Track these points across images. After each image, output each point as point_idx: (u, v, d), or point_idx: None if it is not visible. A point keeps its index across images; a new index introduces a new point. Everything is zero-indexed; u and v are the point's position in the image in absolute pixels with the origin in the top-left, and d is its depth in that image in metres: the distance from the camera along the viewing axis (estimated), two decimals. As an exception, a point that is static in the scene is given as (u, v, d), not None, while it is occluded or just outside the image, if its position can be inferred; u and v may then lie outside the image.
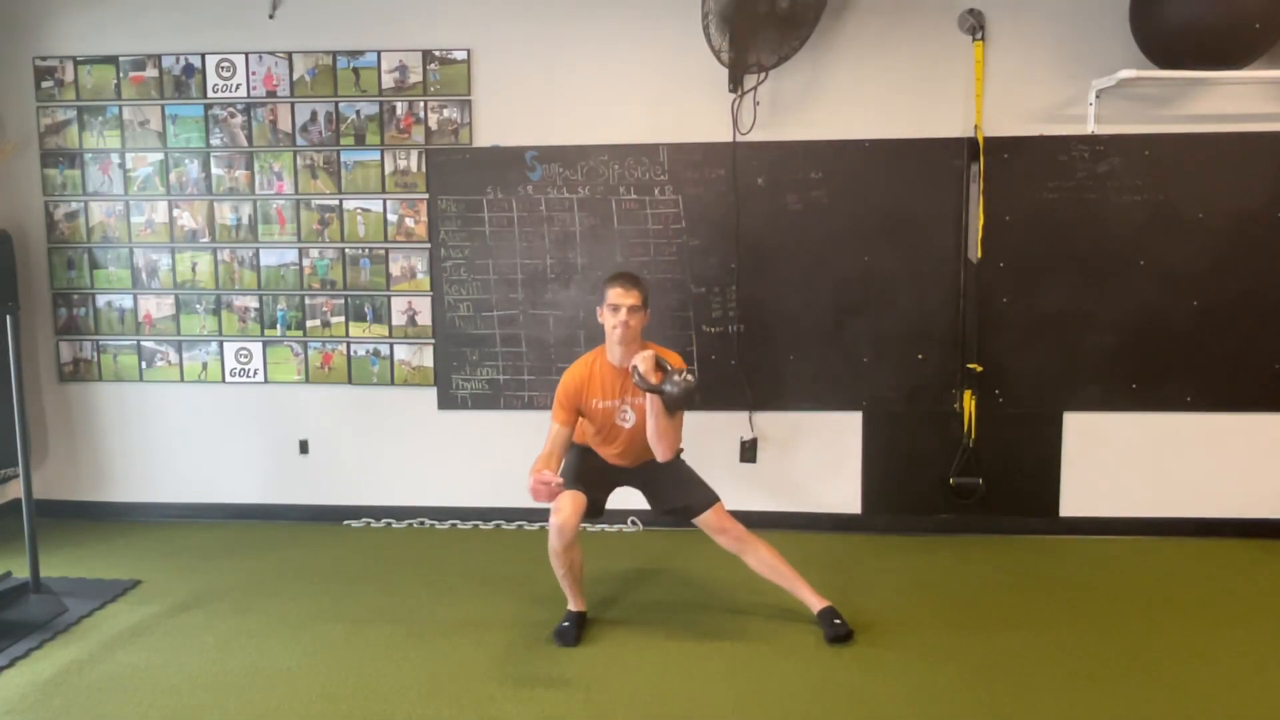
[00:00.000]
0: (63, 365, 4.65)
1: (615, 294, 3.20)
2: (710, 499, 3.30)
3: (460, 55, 4.31)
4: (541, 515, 4.48)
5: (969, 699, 2.86)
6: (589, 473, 3.36)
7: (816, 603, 3.30)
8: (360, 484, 4.60)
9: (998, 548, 4.15)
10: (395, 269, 4.45)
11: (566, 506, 3.17)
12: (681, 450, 3.38)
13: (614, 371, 3.27)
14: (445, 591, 3.73)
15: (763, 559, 3.31)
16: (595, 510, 3.31)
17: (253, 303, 4.53)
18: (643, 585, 3.78)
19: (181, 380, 4.60)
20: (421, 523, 4.57)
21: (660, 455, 3.25)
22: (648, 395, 3.14)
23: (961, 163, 4.12)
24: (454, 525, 4.55)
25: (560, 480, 3.05)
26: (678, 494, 3.33)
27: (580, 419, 3.32)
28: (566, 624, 3.30)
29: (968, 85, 4.12)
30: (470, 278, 4.40)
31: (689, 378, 3.07)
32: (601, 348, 3.32)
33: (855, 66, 4.16)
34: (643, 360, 3.11)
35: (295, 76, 4.38)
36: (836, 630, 3.21)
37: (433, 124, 4.35)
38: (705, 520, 3.28)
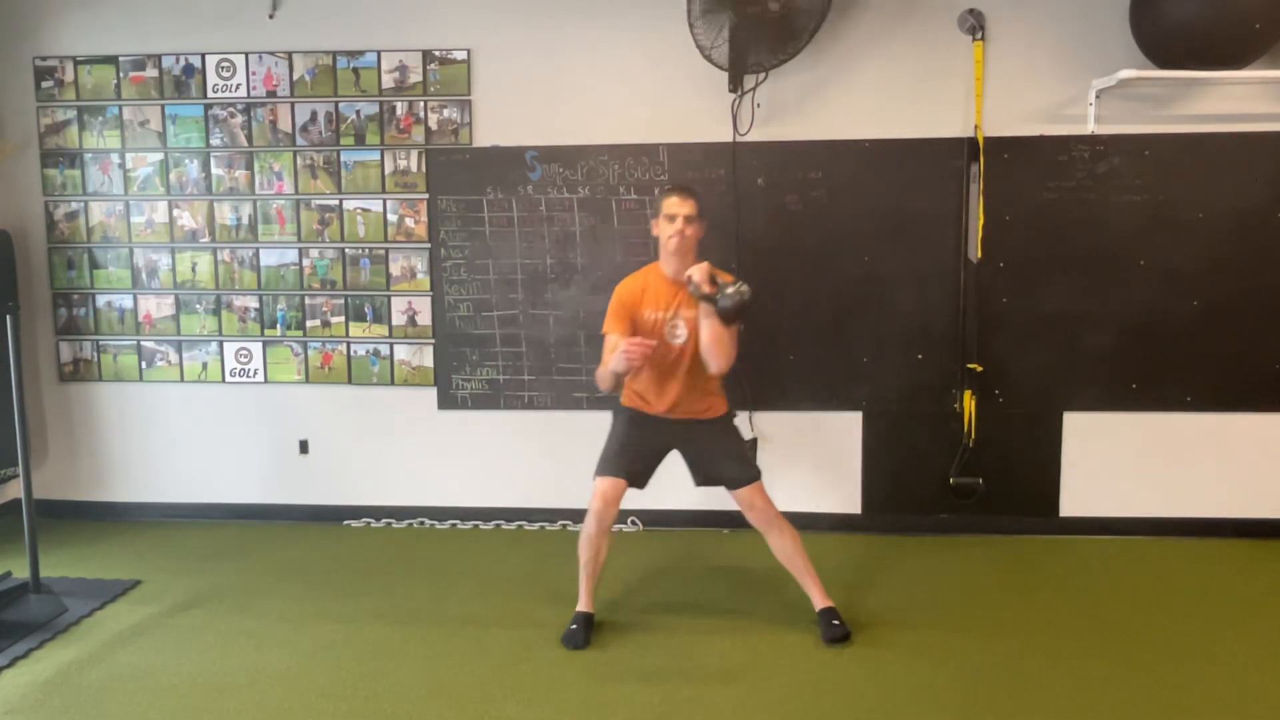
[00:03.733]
0: (63, 365, 4.65)
1: (672, 203, 3.20)
2: (751, 476, 3.28)
3: (460, 55, 4.31)
4: (541, 515, 4.50)
5: (969, 699, 2.86)
6: (636, 441, 3.30)
7: (820, 601, 3.31)
8: (360, 484, 4.60)
9: (998, 548, 4.15)
10: (395, 269, 4.45)
11: (609, 491, 3.19)
12: (735, 414, 3.38)
13: (668, 283, 3.25)
14: (445, 591, 3.73)
15: (784, 545, 3.30)
16: (639, 483, 3.30)
17: (253, 303, 4.53)
18: (643, 585, 3.78)
19: (181, 380, 4.60)
20: (421, 523, 4.57)
21: (715, 366, 3.18)
22: (701, 305, 3.11)
23: (961, 163, 4.12)
24: (454, 525, 4.55)
25: (655, 342, 3.09)
26: (720, 467, 3.30)
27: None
28: (574, 626, 3.28)
29: (968, 85, 4.12)
30: (470, 278, 4.40)
31: (744, 288, 3.05)
32: (654, 263, 3.31)
33: (855, 66, 4.16)
34: (698, 270, 3.10)
35: (295, 76, 4.38)
36: (834, 632, 3.21)
37: (433, 124, 4.35)
38: (740, 494, 3.27)
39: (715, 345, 3.14)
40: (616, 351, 3.07)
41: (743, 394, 4.28)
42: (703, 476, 3.37)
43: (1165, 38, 3.81)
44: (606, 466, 3.29)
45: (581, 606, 3.34)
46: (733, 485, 3.28)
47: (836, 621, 3.24)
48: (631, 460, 3.28)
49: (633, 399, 3.37)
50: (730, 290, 3.05)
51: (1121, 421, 4.23)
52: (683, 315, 3.24)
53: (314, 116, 4.39)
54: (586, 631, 3.27)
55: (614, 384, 3.20)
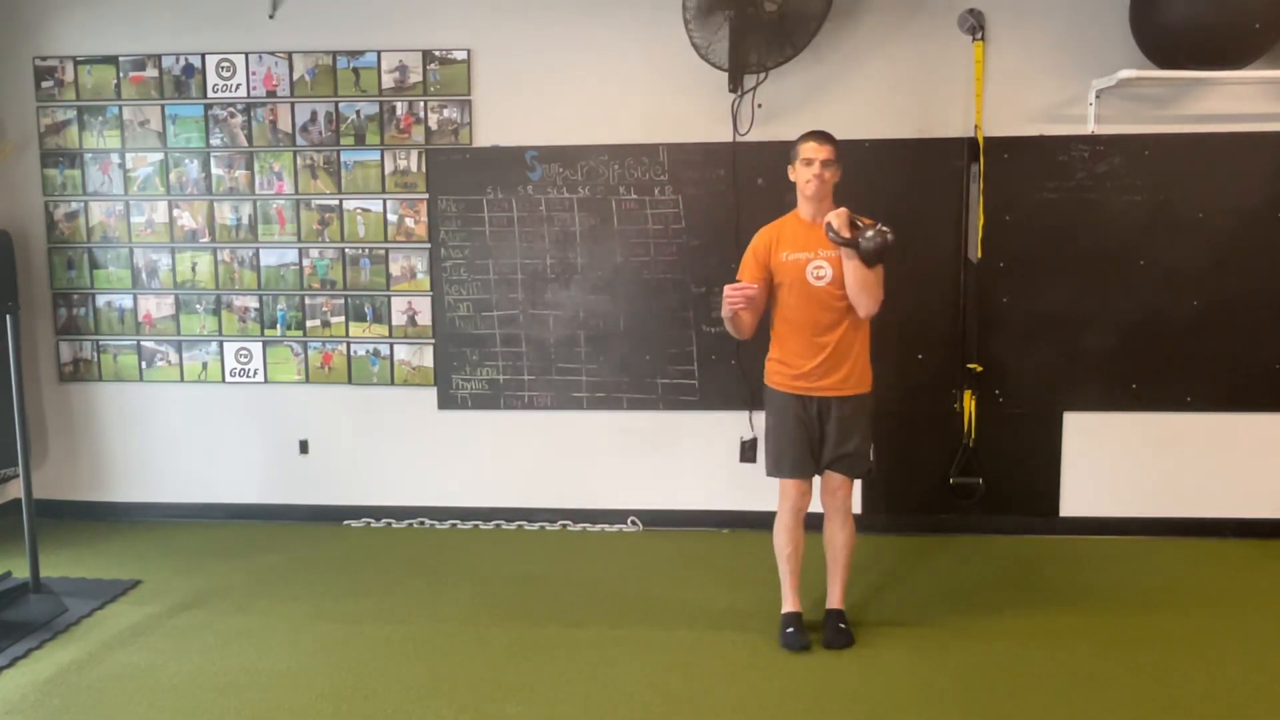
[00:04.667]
0: (63, 365, 4.65)
1: (809, 148, 3.16)
2: (859, 474, 3.26)
3: (460, 55, 4.31)
4: (542, 515, 4.50)
5: (969, 699, 2.86)
6: (794, 431, 3.22)
7: (835, 600, 3.30)
8: (360, 484, 4.60)
9: (998, 548, 4.15)
10: (395, 269, 4.45)
11: (793, 490, 3.21)
12: (872, 399, 3.29)
13: (805, 226, 3.20)
14: (445, 591, 3.73)
15: (840, 538, 3.28)
16: (810, 469, 3.25)
17: (253, 303, 4.53)
18: (643, 586, 3.78)
19: (181, 380, 4.60)
20: (421, 523, 4.57)
21: (863, 309, 3.11)
22: (844, 251, 3.07)
23: (961, 163, 4.12)
24: (454, 525, 4.55)
25: (756, 286, 3.10)
26: (845, 447, 3.21)
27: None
28: (791, 629, 3.21)
29: (968, 85, 4.12)
30: (470, 278, 4.40)
31: (884, 229, 3.02)
32: (790, 213, 3.27)
33: (855, 67, 4.16)
34: (836, 216, 3.08)
35: (295, 76, 4.38)
36: (837, 636, 3.21)
37: (433, 124, 4.35)
38: (830, 478, 3.25)
39: (862, 287, 3.09)
40: (723, 300, 3.07)
41: (743, 394, 4.29)
42: (829, 454, 3.23)
43: (1165, 37, 3.81)
44: (785, 466, 3.23)
45: (789, 608, 3.27)
46: (844, 473, 3.23)
47: (843, 625, 3.24)
48: (802, 451, 3.21)
49: (779, 373, 3.27)
50: (871, 233, 3.02)
51: (1121, 421, 4.22)
52: (825, 256, 3.16)
53: (314, 116, 4.39)
54: (803, 630, 3.21)
55: (736, 330, 3.20)
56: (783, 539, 3.26)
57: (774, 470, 3.28)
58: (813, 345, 3.18)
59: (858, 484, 4.32)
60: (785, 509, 3.24)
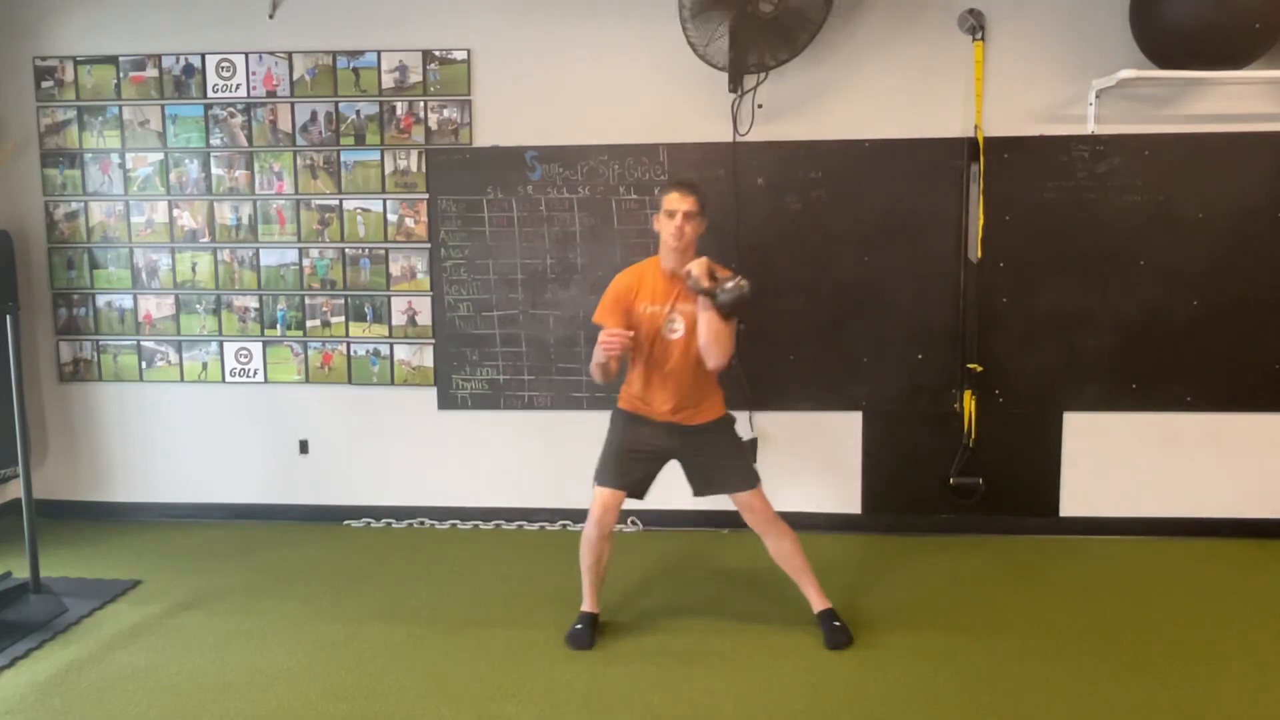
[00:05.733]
0: (63, 365, 4.65)
1: (672, 199, 3.18)
2: (752, 481, 3.27)
3: (460, 55, 4.31)
4: (542, 515, 4.50)
5: (969, 699, 2.86)
6: (633, 446, 3.27)
7: (819, 603, 3.30)
8: (360, 484, 4.60)
9: (998, 548, 4.15)
10: (395, 269, 4.45)
11: (609, 498, 3.20)
12: (734, 418, 3.37)
13: (665, 278, 3.23)
14: (445, 591, 3.73)
15: (783, 546, 3.30)
16: (638, 491, 3.28)
17: (253, 303, 4.53)
18: (642, 586, 3.78)
19: (181, 380, 4.61)
20: (421, 523, 4.57)
21: (712, 361, 3.16)
22: (699, 300, 3.10)
23: (961, 163, 4.12)
24: (454, 525, 4.55)
25: (631, 333, 3.11)
26: (721, 473, 3.27)
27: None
28: (579, 626, 3.28)
29: (968, 85, 4.12)
30: (470, 278, 4.40)
31: (743, 283, 3.05)
32: (652, 258, 3.30)
33: (855, 66, 4.16)
34: (697, 265, 3.09)
35: (295, 76, 4.38)
36: (836, 635, 3.21)
37: (433, 124, 4.35)
38: (740, 497, 3.27)
39: (714, 340, 3.12)
40: (597, 345, 3.08)
41: (743, 394, 4.29)
42: (704, 484, 3.33)
43: (1165, 38, 3.81)
44: (605, 476, 3.28)
45: (586, 607, 3.34)
46: (734, 490, 3.27)
47: (837, 623, 3.24)
48: (630, 467, 3.26)
49: (630, 402, 3.34)
50: (729, 285, 3.05)
51: (1121, 421, 4.23)
52: (680, 309, 3.22)
53: (314, 116, 4.39)
54: (592, 632, 3.27)
55: (604, 375, 3.17)
56: (585, 550, 3.28)
57: (596, 477, 3.30)
58: (665, 389, 3.26)
59: (839, 487, 4.36)
60: (591, 521, 3.22)
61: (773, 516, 3.28)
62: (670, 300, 3.22)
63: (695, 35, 3.93)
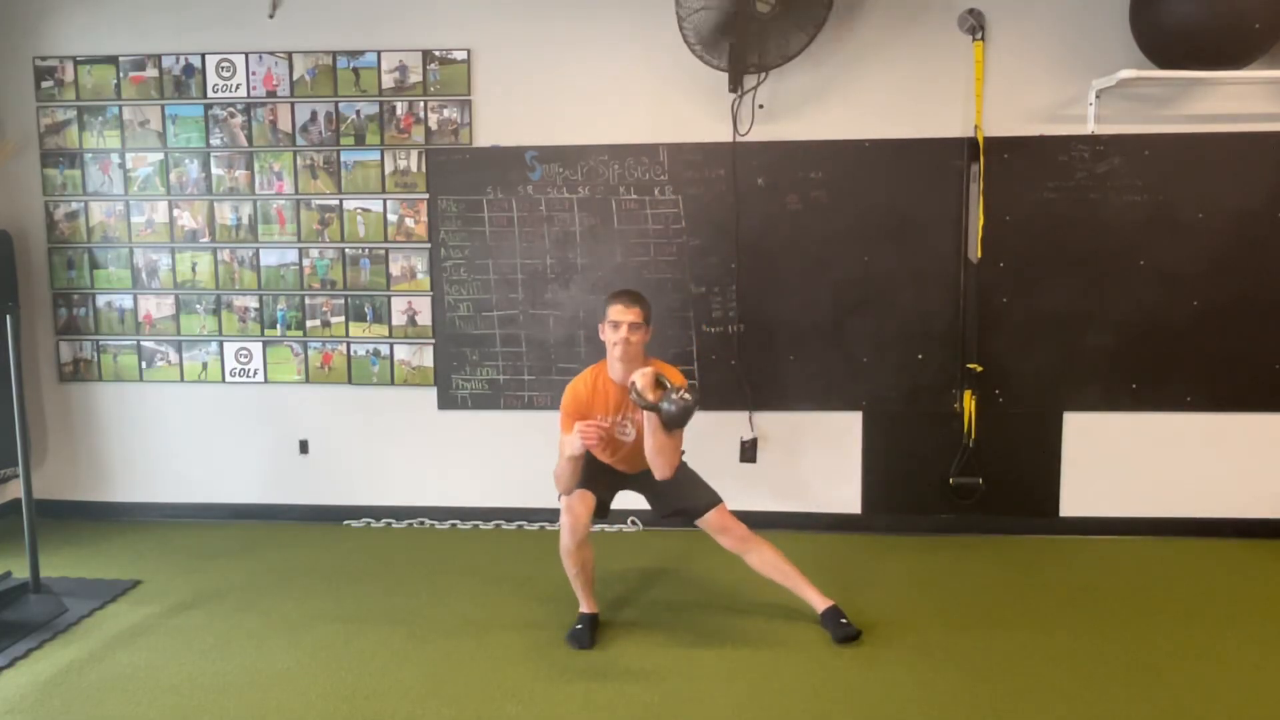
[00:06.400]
0: (63, 365, 4.65)
1: (616, 311, 3.18)
2: (712, 500, 3.29)
3: (460, 55, 4.31)
4: (542, 515, 4.50)
5: (969, 699, 2.86)
6: (595, 474, 3.34)
7: (820, 603, 3.30)
8: (360, 484, 4.60)
9: (998, 548, 4.15)
10: (395, 269, 4.45)
11: (577, 505, 3.19)
12: (684, 453, 3.37)
13: (615, 388, 3.24)
14: (445, 591, 3.73)
15: (765, 558, 3.31)
16: (600, 510, 3.30)
17: (253, 303, 4.53)
18: (642, 586, 3.78)
19: (181, 380, 4.61)
20: (421, 523, 4.57)
21: (659, 472, 3.20)
22: (645, 414, 3.10)
23: (961, 163, 4.12)
24: (454, 525, 4.55)
25: (607, 422, 3.17)
26: (679, 497, 3.32)
27: None
28: (579, 627, 3.29)
29: (968, 85, 4.12)
30: (470, 278, 4.40)
31: (686, 396, 3.02)
32: (604, 361, 3.28)
33: (856, 67, 4.16)
34: (641, 376, 3.06)
35: (295, 76, 4.38)
36: (844, 630, 3.21)
37: (433, 124, 4.35)
38: (707, 521, 3.28)
39: (659, 453, 3.15)
40: (572, 433, 3.08)
41: (743, 394, 4.29)
42: (665, 507, 3.37)
43: (1165, 38, 3.81)
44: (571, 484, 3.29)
45: (584, 608, 3.35)
46: (697, 513, 3.28)
47: (844, 620, 3.24)
48: (593, 487, 3.27)
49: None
50: (675, 396, 3.01)
51: (1121, 421, 4.23)
52: (630, 418, 3.26)
53: (314, 116, 4.39)
54: (592, 632, 3.27)
55: (569, 480, 3.20)
56: (567, 562, 3.27)
57: (560, 494, 3.30)
58: (620, 463, 3.39)
59: (839, 487, 4.35)
60: (565, 531, 3.20)
61: (746, 533, 3.29)
62: (621, 409, 3.25)
63: (692, 34, 3.94)
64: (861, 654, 3.15)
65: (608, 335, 3.20)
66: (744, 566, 3.34)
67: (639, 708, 2.84)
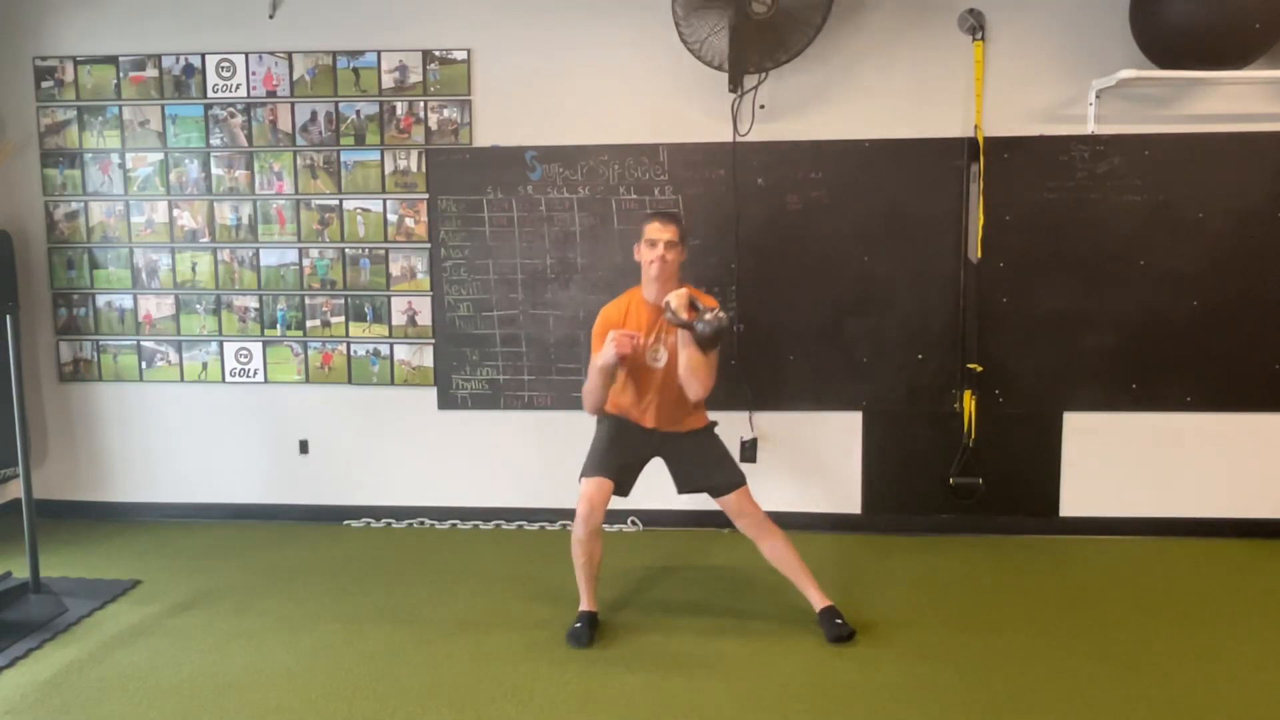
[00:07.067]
0: (63, 365, 4.65)
1: (653, 229, 3.22)
2: (736, 481, 3.29)
3: (460, 55, 4.31)
4: (542, 515, 4.50)
5: (969, 699, 2.86)
6: (620, 449, 3.32)
7: (819, 601, 3.30)
8: (360, 484, 4.60)
9: (998, 548, 4.15)
10: (395, 269, 4.45)
11: (594, 494, 3.21)
12: (716, 423, 3.39)
13: (649, 309, 3.27)
14: (445, 591, 3.73)
15: (776, 549, 3.32)
16: (622, 490, 3.31)
17: (253, 303, 4.53)
18: (642, 586, 3.78)
19: (181, 380, 4.61)
20: (421, 523, 4.57)
21: (693, 394, 3.21)
22: (680, 332, 3.13)
23: (961, 163, 4.12)
24: (454, 525, 4.55)
25: (640, 334, 3.17)
26: (703, 474, 3.33)
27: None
28: (579, 625, 3.29)
29: (968, 85, 4.12)
30: (470, 278, 4.40)
31: (721, 315, 3.07)
32: (638, 287, 3.32)
33: (856, 67, 4.16)
34: (676, 296, 3.11)
35: (295, 76, 4.38)
36: (838, 630, 3.21)
37: (433, 124, 4.35)
38: (728, 501, 3.29)
39: (693, 373, 3.16)
40: (606, 342, 3.11)
41: (743, 394, 4.29)
42: (687, 484, 3.38)
43: (1165, 38, 3.81)
44: (591, 468, 3.31)
45: (585, 606, 3.35)
46: (718, 492, 3.29)
47: (839, 620, 3.24)
48: (615, 461, 3.29)
49: (617, 407, 3.40)
50: (708, 317, 3.06)
51: (1121, 421, 4.23)
52: (664, 340, 3.27)
53: (314, 116, 4.39)
54: (591, 630, 3.27)
55: (600, 396, 3.24)
56: (576, 551, 3.28)
57: (583, 472, 3.32)
58: (649, 409, 3.34)
59: (839, 487, 4.36)
60: (579, 519, 3.21)
61: (763, 519, 3.31)
62: (654, 331, 3.26)
63: (690, 34, 3.94)
64: (861, 654, 3.15)
65: (644, 254, 3.23)
66: (743, 567, 3.35)
67: (639, 707, 2.84)
